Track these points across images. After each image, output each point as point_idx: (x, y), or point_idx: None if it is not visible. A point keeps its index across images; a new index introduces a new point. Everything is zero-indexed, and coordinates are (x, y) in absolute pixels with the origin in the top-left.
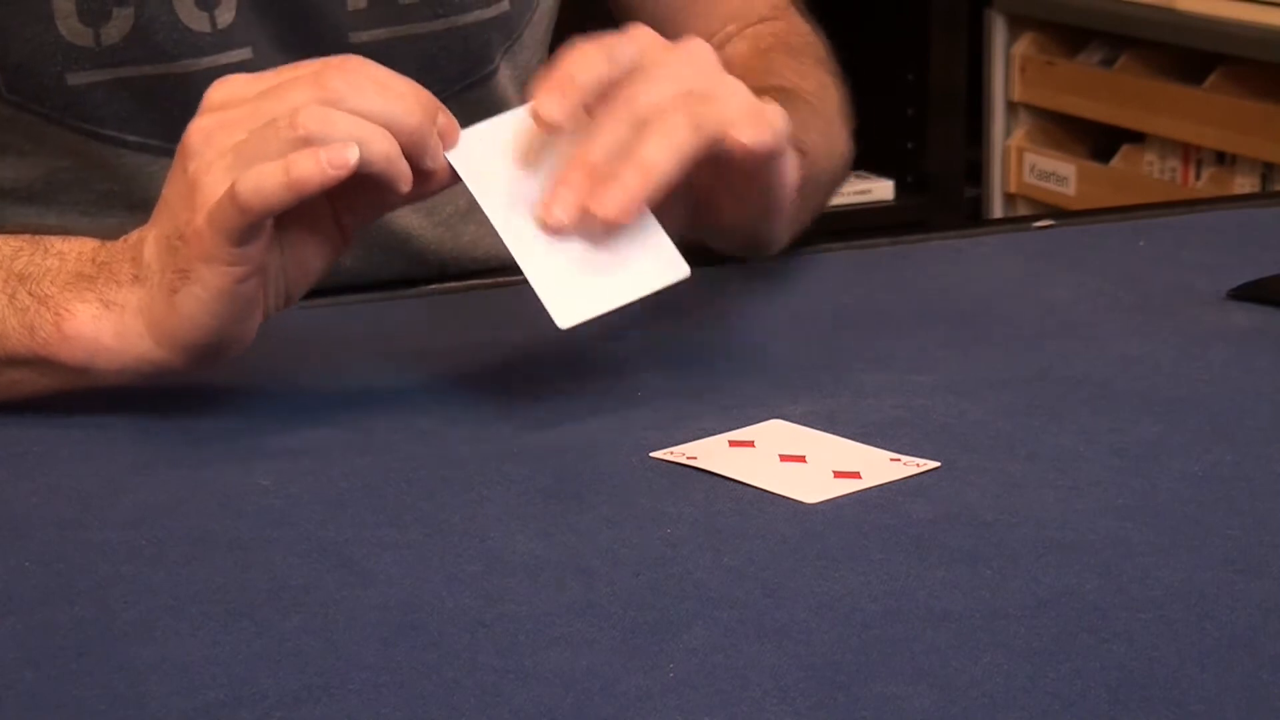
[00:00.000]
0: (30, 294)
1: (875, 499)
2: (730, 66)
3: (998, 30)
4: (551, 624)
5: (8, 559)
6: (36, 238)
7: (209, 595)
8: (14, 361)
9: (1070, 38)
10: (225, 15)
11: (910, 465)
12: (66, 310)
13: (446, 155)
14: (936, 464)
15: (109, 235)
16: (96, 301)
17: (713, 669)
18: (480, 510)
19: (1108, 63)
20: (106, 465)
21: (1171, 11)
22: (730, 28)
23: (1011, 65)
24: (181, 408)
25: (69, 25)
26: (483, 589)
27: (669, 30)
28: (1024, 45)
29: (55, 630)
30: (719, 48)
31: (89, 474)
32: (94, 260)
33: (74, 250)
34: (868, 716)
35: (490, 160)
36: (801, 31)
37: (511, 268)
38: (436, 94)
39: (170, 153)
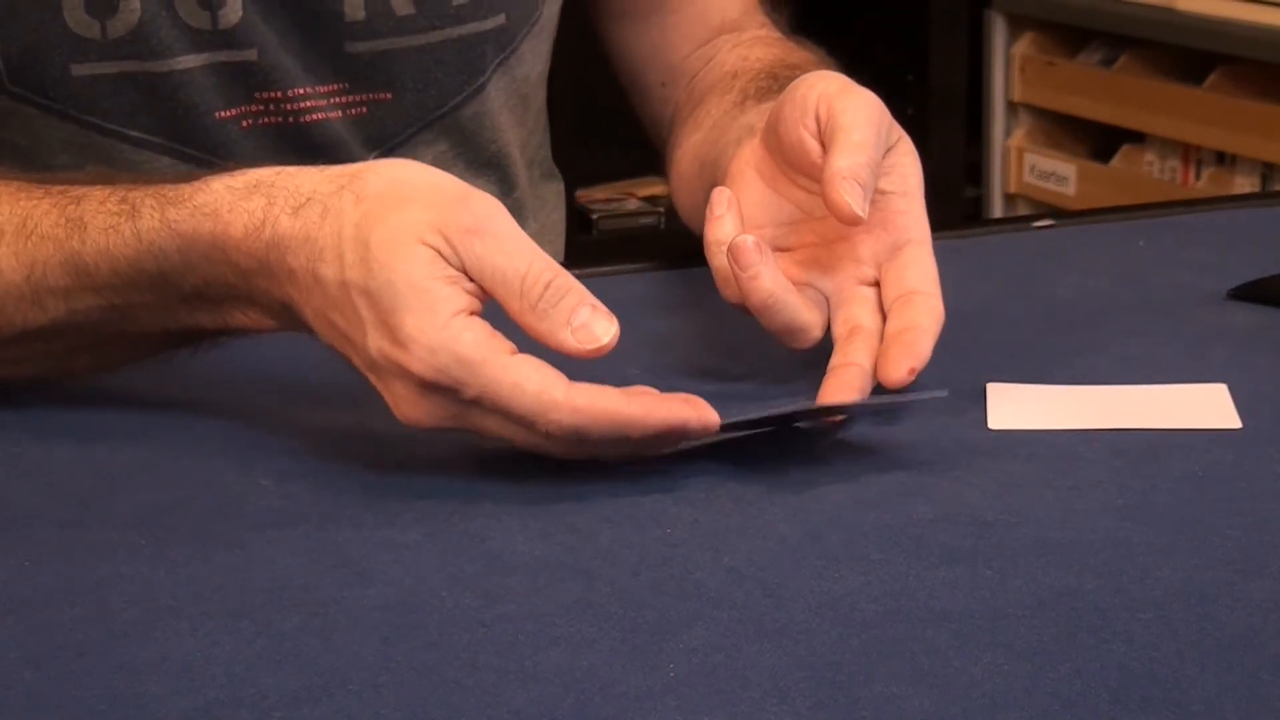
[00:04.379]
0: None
1: (875, 499)
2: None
3: (998, 30)
4: (551, 624)
5: (8, 559)
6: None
7: (209, 595)
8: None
9: (1070, 38)
10: (231, 15)
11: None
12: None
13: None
14: (944, 393)
15: None
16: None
17: (713, 669)
18: (480, 510)
19: (1108, 63)
20: (106, 465)
21: (1171, 11)
22: (719, 39)
23: (1011, 65)
24: (181, 408)
25: (75, 16)
26: (483, 589)
27: (653, 37)
28: (1024, 45)
29: (55, 630)
30: (708, 59)
31: (89, 474)
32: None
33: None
34: (867, 716)
35: None
36: (767, 24)
37: None
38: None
39: (170, 151)
